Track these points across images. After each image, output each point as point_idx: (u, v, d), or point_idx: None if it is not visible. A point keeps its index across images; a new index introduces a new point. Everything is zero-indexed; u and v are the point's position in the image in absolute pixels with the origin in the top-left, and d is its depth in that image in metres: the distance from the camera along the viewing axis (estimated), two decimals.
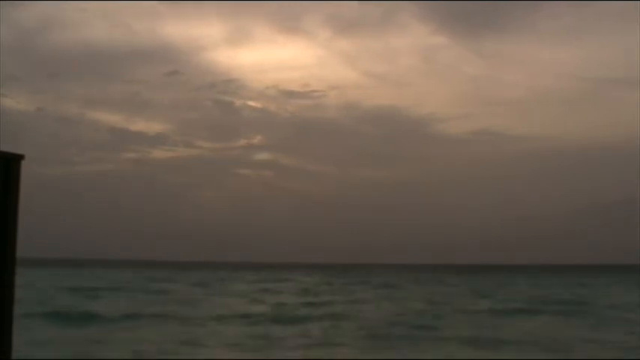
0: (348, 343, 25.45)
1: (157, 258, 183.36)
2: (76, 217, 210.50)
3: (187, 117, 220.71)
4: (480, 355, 23.38)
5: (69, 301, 42.89)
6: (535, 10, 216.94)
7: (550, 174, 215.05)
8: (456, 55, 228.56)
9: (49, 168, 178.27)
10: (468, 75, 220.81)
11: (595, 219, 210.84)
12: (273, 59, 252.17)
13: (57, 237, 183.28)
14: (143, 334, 26.90)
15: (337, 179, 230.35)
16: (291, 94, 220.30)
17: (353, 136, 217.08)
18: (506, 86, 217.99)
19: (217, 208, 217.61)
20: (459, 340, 26.15)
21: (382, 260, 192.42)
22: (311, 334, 27.56)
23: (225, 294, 55.62)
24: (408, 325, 30.98)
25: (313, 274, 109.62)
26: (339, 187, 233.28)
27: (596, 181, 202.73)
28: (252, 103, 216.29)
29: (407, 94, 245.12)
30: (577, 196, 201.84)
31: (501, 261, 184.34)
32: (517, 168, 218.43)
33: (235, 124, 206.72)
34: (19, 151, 6.11)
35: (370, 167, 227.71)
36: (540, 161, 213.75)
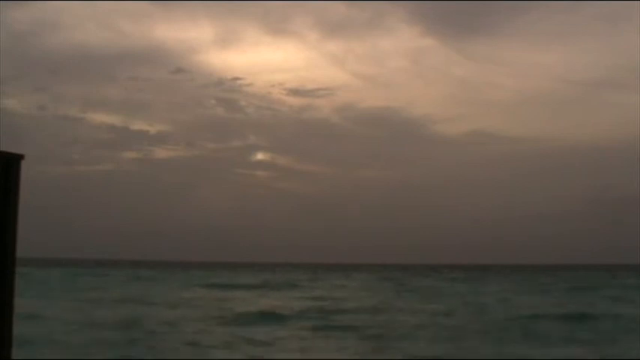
0: None
1: (157, 258, 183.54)
2: (77, 217, 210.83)
3: (188, 116, 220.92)
4: None
5: None
6: (523, 13, 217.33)
7: (547, 175, 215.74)
8: (445, 58, 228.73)
9: (50, 167, 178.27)
10: (457, 77, 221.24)
11: (593, 219, 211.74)
12: (267, 60, 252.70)
13: (57, 237, 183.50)
14: None
15: (337, 180, 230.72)
16: (291, 95, 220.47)
17: (351, 136, 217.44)
18: (495, 88, 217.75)
19: (218, 209, 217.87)
20: None
21: (379, 260, 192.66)
22: None
23: None
24: None
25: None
26: (339, 188, 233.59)
27: (594, 181, 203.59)
28: (251, 104, 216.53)
29: (398, 95, 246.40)
30: (574, 196, 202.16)
31: (500, 261, 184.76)
32: (514, 168, 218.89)
33: (236, 125, 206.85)
34: (19, 151, 6.10)
35: (369, 168, 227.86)
36: (537, 162, 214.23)
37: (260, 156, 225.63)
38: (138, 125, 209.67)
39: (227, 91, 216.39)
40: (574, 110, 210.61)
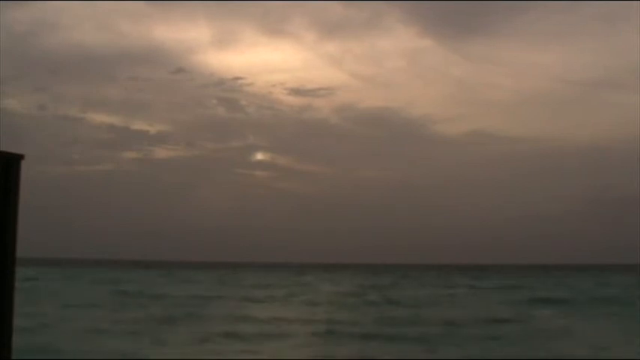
0: None
1: (157, 258, 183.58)
2: (77, 217, 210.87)
3: (188, 116, 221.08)
4: None
5: None
6: (521, 13, 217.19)
7: (547, 175, 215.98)
8: (442, 58, 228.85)
9: (50, 167, 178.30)
10: (455, 77, 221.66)
11: (593, 219, 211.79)
12: (265, 61, 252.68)
13: (57, 237, 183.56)
14: None
15: (337, 180, 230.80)
16: (292, 94, 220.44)
17: (351, 136, 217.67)
18: (494, 88, 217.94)
19: (218, 209, 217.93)
20: None
21: (379, 260, 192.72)
22: None
23: None
24: None
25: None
26: (339, 188, 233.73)
27: (594, 181, 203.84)
28: (252, 104, 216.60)
29: (397, 95, 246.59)
30: (574, 196, 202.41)
31: (500, 261, 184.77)
32: (514, 168, 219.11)
33: (236, 125, 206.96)
34: (19, 151, 6.09)
35: (369, 168, 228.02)
36: (537, 162, 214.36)
37: (260, 156, 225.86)
38: (138, 125, 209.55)
39: (228, 90, 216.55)
40: (573, 110, 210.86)
